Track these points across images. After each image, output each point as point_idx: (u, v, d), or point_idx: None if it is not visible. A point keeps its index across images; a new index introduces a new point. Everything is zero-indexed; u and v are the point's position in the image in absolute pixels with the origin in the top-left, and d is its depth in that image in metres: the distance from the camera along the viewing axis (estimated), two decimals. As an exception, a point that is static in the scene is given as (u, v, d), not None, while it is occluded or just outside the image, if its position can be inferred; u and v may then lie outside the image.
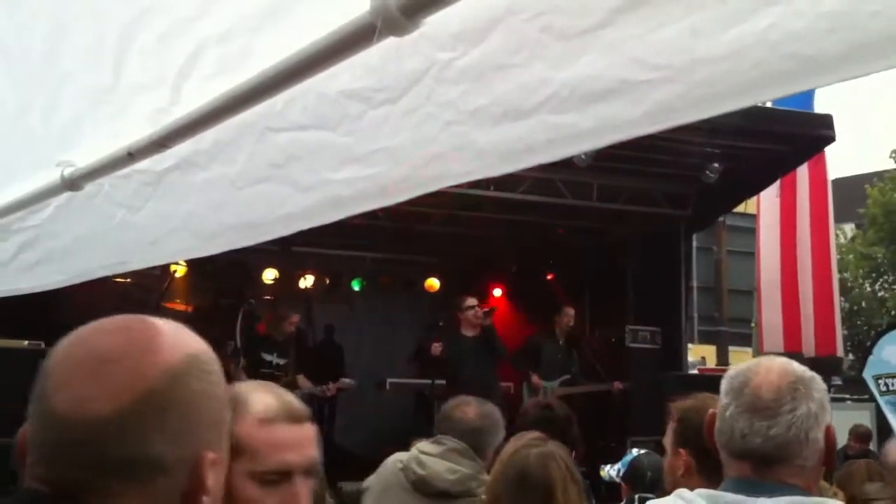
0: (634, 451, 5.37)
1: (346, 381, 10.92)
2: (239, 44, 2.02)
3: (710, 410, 2.22)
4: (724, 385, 2.17)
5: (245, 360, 9.78)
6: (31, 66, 2.70)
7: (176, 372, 1.11)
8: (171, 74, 2.27)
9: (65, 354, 1.13)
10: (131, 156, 2.54)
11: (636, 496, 5.28)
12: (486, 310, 10.58)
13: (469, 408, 4.09)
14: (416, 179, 1.83)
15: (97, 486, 1.06)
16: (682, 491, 2.15)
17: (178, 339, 1.16)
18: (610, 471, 4.79)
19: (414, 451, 4.06)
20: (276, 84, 1.89)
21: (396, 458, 4.16)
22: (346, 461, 10.88)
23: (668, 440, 2.91)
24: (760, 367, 2.14)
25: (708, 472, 2.57)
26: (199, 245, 2.90)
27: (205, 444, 1.12)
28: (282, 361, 10.00)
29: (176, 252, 2.99)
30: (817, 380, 2.13)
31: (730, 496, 2.01)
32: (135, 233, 3.06)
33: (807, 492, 2.01)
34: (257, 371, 9.72)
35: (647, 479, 4.92)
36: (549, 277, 13.06)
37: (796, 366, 2.15)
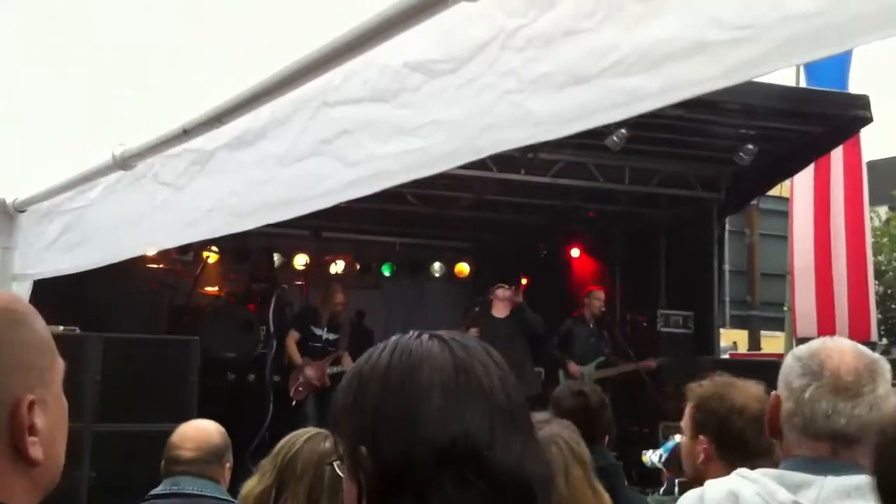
0: (677, 438, 5.41)
1: None
2: (300, 17, 2.03)
3: (774, 393, 2.21)
4: (795, 367, 2.14)
5: (296, 335, 9.86)
6: (89, 46, 2.73)
7: None
8: (229, 50, 2.29)
9: None
10: (186, 132, 2.56)
11: (676, 480, 5.33)
12: (514, 286, 10.58)
13: None
14: (468, 149, 1.84)
15: None
16: (743, 470, 2.14)
17: None
18: (652, 456, 4.81)
19: None
20: (337, 55, 1.90)
21: None
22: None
23: (685, 424, 2.87)
24: (832, 348, 2.13)
25: (730, 458, 2.55)
26: (233, 222, 2.92)
27: (23, 387, 1.21)
28: (332, 337, 10.05)
29: (210, 230, 3.02)
30: (884, 361, 2.14)
31: (797, 475, 2.00)
32: (174, 212, 3.09)
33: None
34: (307, 345, 9.82)
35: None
36: (568, 261, 12.99)
37: (861, 347, 2.16)
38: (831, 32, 1.18)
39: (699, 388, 2.80)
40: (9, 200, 3.92)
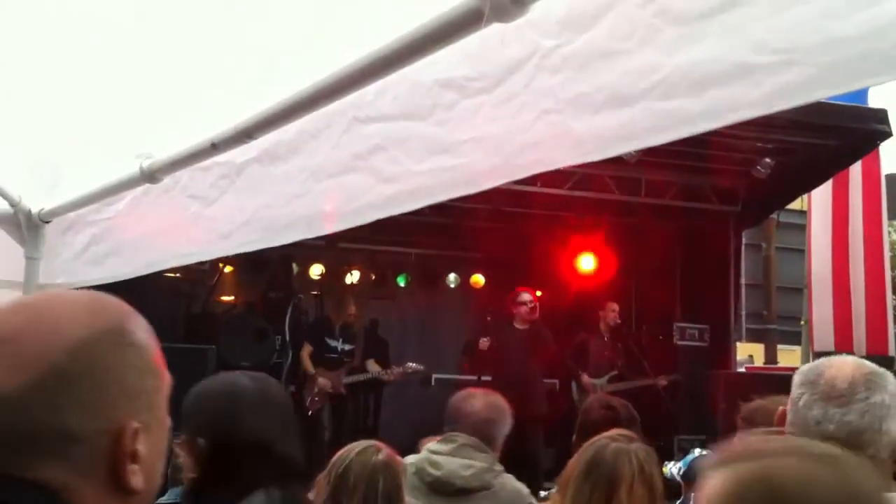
0: (696, 451, 5.44)
1: (412, 365, 10.91)
2: (331, 35, 2.04)
3: (780, 408, 2.22)
4: (796, 379, 2.18)
5: (310, 347, 9.86)
6: (118, 57, 2.75)
7: (84, 346, 1.14)
8: (259, 66, 2.30)
9: None
10: (215, 147, 2.57)
11: (692, 494, 5.34)
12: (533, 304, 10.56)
13: (476, 400, 4.06)
14: (507, 168, 1.84)
15: (19, 461, 1.09)
16: None
17: (86, 314, 1.18)
18: (672, 468, 4.81)
19: (424, 452, 4.01)
20: (371, 72, 1.90)
21: (407, 462, 4.10)
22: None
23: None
24: (834, 361, 2.16)
25: None
26: (268, 237, 2.93)
27: (125, 414, 1.15)
28: (347, 347, 10.06)
29: (244, 244, 3.02)
30: (890, 375, 2.13)
31: None
32: (207, 225, 3.10)
33: None
34: (322, 356, 9.82)
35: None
36: (583, 274, 12.97)
37: (868, 362, 2.16)
38: (876, 60, 1.18)
39: (750, 403, 2.82)
40: (34, 210, 3.94)
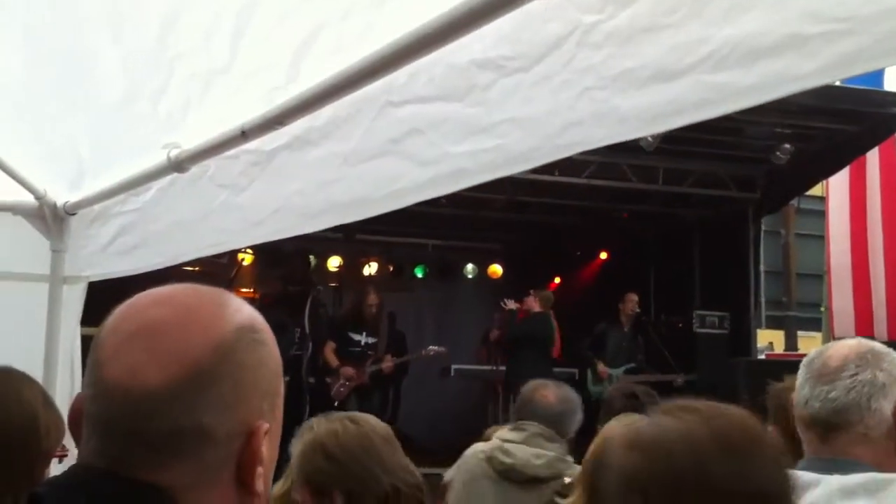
0: None
1: (434, 347, 10.91)
2: (361, 18, 2.03)
3: (793, 394, 2.21)
4: (803, 364, 2.16)
5: (333, 343, 9.85)
6: (143, 49, 2.73)
7: (225, 346, 1.10)
8: (289, 52, 2.28)
9: (116, 325, 1.11)
10: (244, 134, 2.56)
11: None
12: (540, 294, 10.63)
13: (549, 391, 4.07)
14: (548, 148, 1.82)
15: (152, 459, 1.05)
16: None
17: (228, 310, 1.14)
18: None
19: (495, 440, 4.02)
20: (404, 55, 1.89)
21: (478, 449, 4.12)
22: (408, 446, 10.91)
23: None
24: (839, 342, 2.14)
25: (796, 451, 2.56)
26: (301, 223, 2.92)
27: (258, 415, 1.12)
28: (371, 341, 10.06)
29: (277, 231, 3.01)
30: (893, 354, 2.09)
31: (806, 475, 1.98)
32: (237, 213, 3.09)
33: (878, 467, 1.98)
34: (347, 351, 9.81)
35: None
36: (603, 256, 12.98)
37: (877, 344, 2.13)
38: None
39: (779, 382, 2.81)
40: (59, 203, 3.95)
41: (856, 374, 2.01)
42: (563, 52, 1.66)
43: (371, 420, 2.45)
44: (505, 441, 3.95)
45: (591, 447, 1.53)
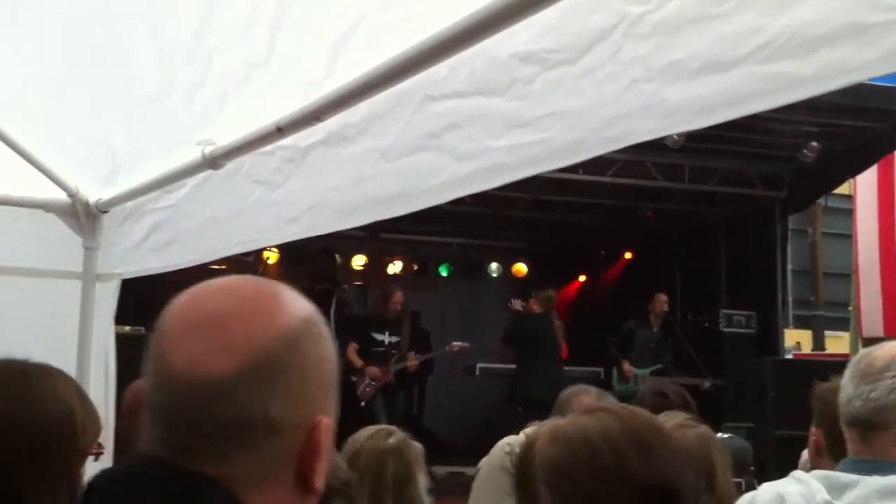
0: (719, 436, 5.43)
1: (458, 343, 10.91)
2: (400, 10, 2.01)
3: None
4: (851, 363, 2.14)
5: (356, 344, 9.85)
6: (180, 44, 2.73)
7: (293, 335, 1.08)
8: (327, 45, 2.27)
9: (177, 315, 1.10)
10: (280, 130, 2.55)
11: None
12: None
13: (587, 397, 4.04)
14: (595, 141, 1.80)
15: (215, 449, 1.04)
16: (798, 473, 2.12)
17: (292, 303, 1.12)
18: None
19: (522, 435, 4.01)
20: (444, 49, 1.87)
21: (505, 442, 4.11)
22: (433, 444, 10.93)
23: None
24: (891, 342, 2.11)
25: (838, 453, 2.53)
26: (337, 220, 2.90)
27: (320, 408, 1.10)
28: (394, 339, 10.07)
29: (312, 228, 2.99)
30: None
31: (845, 476, 1.97)
32: (272, 210, 3.08)
33: None
34: (370, 351, 9.82)
35: (730, 463, 5.08)
36: (627, 255, 12.93)
37: None
38: None
39: (825, 383, 2.78)
40: (91, 201, 3.96)
41: None
42: (608, 43, 1.64)
43: None
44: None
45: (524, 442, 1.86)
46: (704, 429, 3.01)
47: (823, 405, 2.71)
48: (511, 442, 4.06)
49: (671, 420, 3.12)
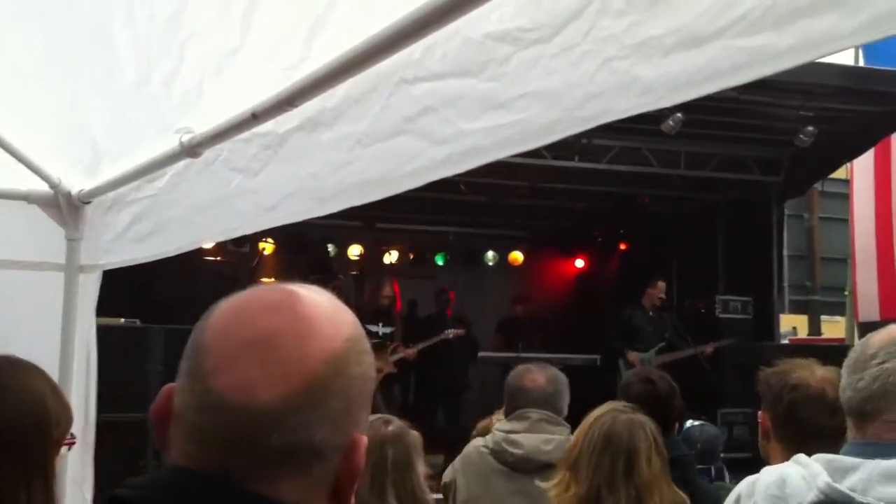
0: (689, 423, 5.48)
1: (452, 330, 10.89)
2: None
3: None
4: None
5: None
6: (154, 31, 2.68)
7: (339, 358, 1.06)
8: (303, 29, 2.22)
9: (224, 331, 1.06)
10: (255, 117, 2.50)
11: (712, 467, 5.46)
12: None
13: (536, 374, 3.99)
14: (569, 121, 1.75)
15: (260, 474, 1.02)
16: (800, 456, 2.09)
17: (337, 320, 1.10)
18: None
19: (497, 433, 3.92)
20: (417, 29, 1.81)
21: (478, 445, 4.01)
22: (430, 433, 10.92)
23: None
24: (886, 328, 2.06)
25: (786, 437, 2.51)
26: (315, 207, 2.85)
27: (358, 427, 1.08)
28: (388, 330, 10.06)
29: (291, 215, 2.95)
30: None
31: (847, 459, 1.93)
32: (251, 198, 3.04)
33: None
34: None
35: (698, 450, 5.18)
36: (623, 248, 12.92)
37: None
38: None
39: (768, 368, 2.76)
40: (73, 192, 3.91)
41: (884, 361, 1.94)
42: (582, 21, 1.59)
43: None
44: (509, 432, 3.85)
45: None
46: (638, 417, 3.02)
47: (767, 389, 2.69)
48: (486, 443, 3.95)
49: (608, 406, 3.13)
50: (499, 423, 3.97)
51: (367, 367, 1.11)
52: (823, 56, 1.31)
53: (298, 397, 1.02)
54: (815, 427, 2.46)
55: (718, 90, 1.45)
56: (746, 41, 1.35)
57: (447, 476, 4.08)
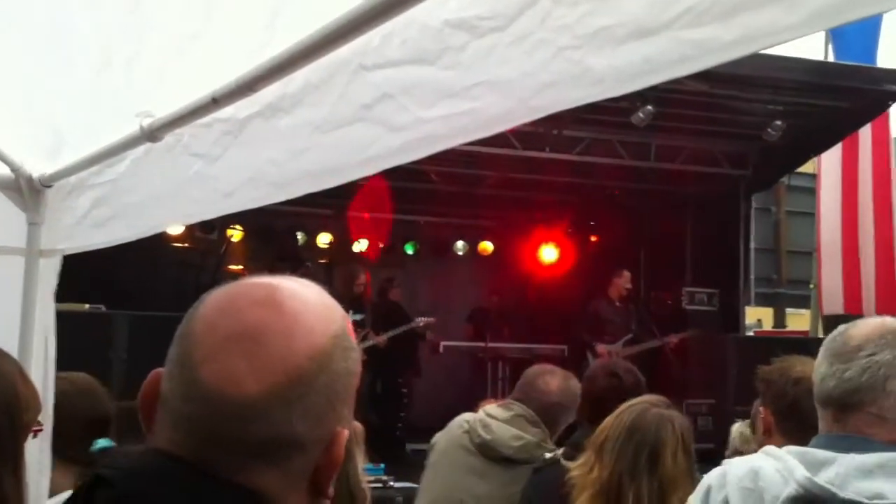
0: None
1: (422, 319, 10.91)
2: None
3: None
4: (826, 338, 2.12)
5: None
6: (116, 15, 2.66)
7: (324, 355, 1.08)
8: (265, 14, 2.21)
9: (212, 322, 1.08)
10: (216, 101, 2.48)
11: None
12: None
13: (553, 379, 4.02)
14: (523, 110, 1.76)
15: (241, 464, 1.04)
16: (770, 448, 2.10)
17: (325, 316, 1.11)
18: None
19: (481, 413, 4.01)
20: (376, 15, 1.81)
21: (463, 419, 4.13)
22: (401, 422, 10.96)
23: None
24: (865, 319, 2.08)
25: (789, 432, 2.54)
26: (273, 193, 2.83)
27: (340, 421, 1.10)
28: (358, 318, 10.08)
29: (250, 200, 2.93)
30: None
31: (820, 452, 1.94)
32: (210, 184, 3.02)
33: (892, 446, 1.93)
34: None
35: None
36: (593, 239, 12.99)
37: None
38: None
39: (767, 365, 2.79)
40: (35, 175, 3.87)
41: (873, 353, 1.95)
42: (537, 10, 1.59)
43: None
44: (488, 416, 3.93)
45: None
46: (670, 413, 3.03)
47: (768, 385, 2.72)
48: (469, 419, 4.07)
49: (642, 399, 3.13)
50: (487, 406, 4.06)
51: (353, 363, 1.12)
52: (767, 48, 1.33)
53: (283, 391, 1.04)
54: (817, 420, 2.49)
55: (665, 80, 1.46)
56: (693, 33, 1.36)
57: (435, 437, 4.24)
